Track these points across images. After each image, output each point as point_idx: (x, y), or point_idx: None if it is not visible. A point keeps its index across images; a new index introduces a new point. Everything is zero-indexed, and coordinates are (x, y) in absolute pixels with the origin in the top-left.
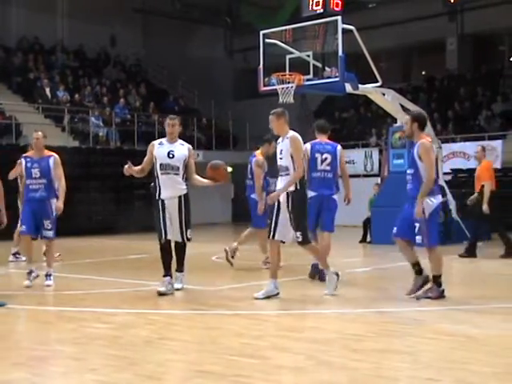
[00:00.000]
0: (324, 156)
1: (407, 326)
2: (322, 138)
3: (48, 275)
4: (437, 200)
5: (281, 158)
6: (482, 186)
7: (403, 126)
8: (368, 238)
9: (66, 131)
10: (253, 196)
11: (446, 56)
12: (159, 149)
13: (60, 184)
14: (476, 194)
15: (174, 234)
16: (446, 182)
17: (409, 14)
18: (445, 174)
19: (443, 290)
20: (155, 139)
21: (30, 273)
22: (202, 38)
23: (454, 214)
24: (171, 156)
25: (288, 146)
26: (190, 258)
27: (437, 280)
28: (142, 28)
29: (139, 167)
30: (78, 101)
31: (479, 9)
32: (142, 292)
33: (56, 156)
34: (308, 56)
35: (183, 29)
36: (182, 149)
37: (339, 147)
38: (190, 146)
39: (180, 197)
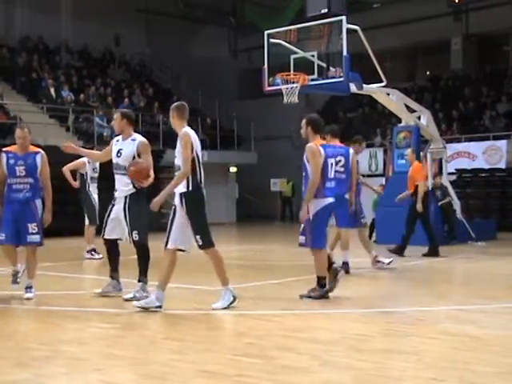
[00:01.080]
0: (338, 158)
1: (411, 325)
2: (335, 142)
3: (28, 287)
4: (322, 202)
5: (176, 157)
6: (417, 186)
7: (408, 127)
8: (373, 238)
9: (71, 131)
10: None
11: (450, 56)
12: (114, 146)
13: (46, 187)
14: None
15: (122, 234)
16: (450, 182)
17: (413, 13)
18: (449, 173)
19: (327, 291)
20: (159, 139)
21: (15, 274)
22: (206, 38)
23: (459, 214)
24: (119, 155)
25: (179, 143)
26: (194, 258)
27: (320, 281)
28: (146, 28)
29: (95, 152)
30: (82, 101)
31: (484, 9)
32: None
33: (43, 152)
34: (312, 56)
35: (187, 29)
36: (130, 146)
37: (351, 150)
38: (143, 141)
39: (126, 197)
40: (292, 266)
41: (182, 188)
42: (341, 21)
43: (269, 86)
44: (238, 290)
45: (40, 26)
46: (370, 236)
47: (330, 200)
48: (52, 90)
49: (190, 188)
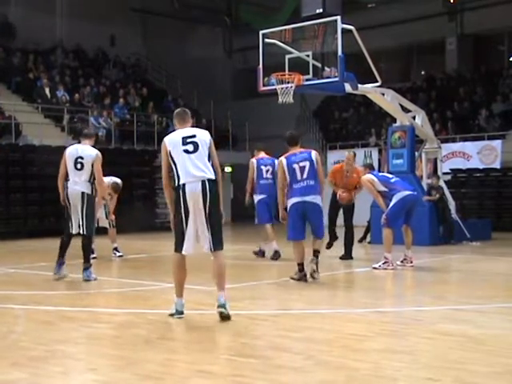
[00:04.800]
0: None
1: (406, 325)
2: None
3: None
4: None
5: None
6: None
7: (402, 126)
8: (368, 238)
9: (66, 131)
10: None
11: (445, 56)
12: None
13: None
14: None
15: None
16: (445, 181)
17: (408, 13)
18: (444, 173)
19: None
20: (154, 139)
21: None
22: (201, 38)
23: (454, 214)
24: None
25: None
26: (189, 258)
27: None
28: (142, 28)
29: None
30: (77, 100)
31: (479, 9)
32: (142, 292)
33: None
34: (307, 56)
35: (182, 29)
36: None
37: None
38: None
39: None
40: (287, 266)
41: None
42: (336, 21)
43: (264, 85)
44: (234, 290)
45: (35, 26)
46: (365, 237)
47: None
48: (47, 90)
49: None
